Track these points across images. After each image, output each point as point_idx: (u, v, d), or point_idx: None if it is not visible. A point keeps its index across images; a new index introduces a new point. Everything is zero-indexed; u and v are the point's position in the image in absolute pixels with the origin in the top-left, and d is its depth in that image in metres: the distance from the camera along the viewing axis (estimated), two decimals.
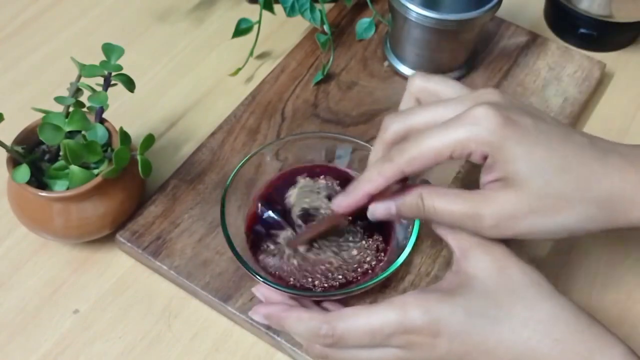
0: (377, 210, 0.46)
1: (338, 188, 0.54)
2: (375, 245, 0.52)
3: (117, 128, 0.52)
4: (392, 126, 0.45)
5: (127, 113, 0.64)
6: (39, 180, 0.51)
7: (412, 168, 0.43)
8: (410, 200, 0.44)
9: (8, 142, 0.50)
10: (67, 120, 0.50)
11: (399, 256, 0.48)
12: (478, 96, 0.44)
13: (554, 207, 0.41)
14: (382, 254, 0.51)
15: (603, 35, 0.69)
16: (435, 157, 0.42)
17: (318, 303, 0.50)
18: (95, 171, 0.51)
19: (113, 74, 0.52)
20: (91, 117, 0.52)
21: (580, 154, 0.42)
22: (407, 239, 0.49)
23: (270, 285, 0.47)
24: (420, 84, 0.48)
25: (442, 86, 0.47)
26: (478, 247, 0.43)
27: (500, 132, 0.41)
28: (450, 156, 0.42)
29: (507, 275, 0.42)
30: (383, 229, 0.53)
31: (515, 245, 0.57)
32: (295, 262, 0.51)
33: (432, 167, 0.43)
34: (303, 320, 0.44)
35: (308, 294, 0.49)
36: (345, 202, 0.46)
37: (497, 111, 0.41)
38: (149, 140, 0.52)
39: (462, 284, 0.42)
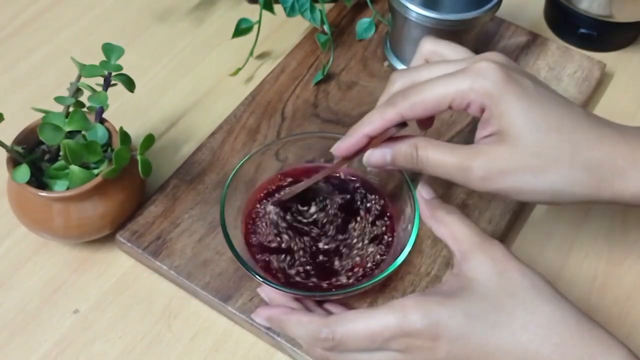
0: (373, 156, 0.46)
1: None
2: (376, 245, 0.52)
3: (117, 128, 0.52)
4: (399, 80, 0.47)
5: (127, 113, 0.64)
6: (39, 180, 0.51)
7: (412, 113, 0.44)
8: (405, 149, 0.45)
9: (8, 142, 0.50)
10: (67, 120, 0.50)
11: (398, 256, 0.48)
12: (483, 57, 0.45)
13: (543, 165, 0.42)
14: (382, 254, 0.51)
15: (603, 35, 0.69)
16: (436, 103, 0.43)
17: (320, 304, 0.50)
18: (95, 171, 0.51)
19: (113, 74, 0.52)
20: (91, 117, 0.53)
21: (577, 120, 0.43)
22: (407, 238, 0.49)
23: (271, 286, 0.47)
24: (430, 46, 0.49)
25: (450, 49, 0.49)
26: (478, 250, 0.43)
27: (501, 85, 0.42)
28: (450, 105, 0.43)
29: (507, 278, 0.41)
30: (383, 228, 0.53)
31: (514, 246, 0.57)
32: (295, 257, 0.51)
33: (432, 114, 0.44)
34: (303, 324, 0.44)
35: (309, 294, 0.49)
36: (344, 144, 0.46)
37: (500, 67, 0.43)
38: (149, 140, 0.52)
39: (463, 286, 0.42)
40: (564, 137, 0.42)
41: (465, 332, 0.40)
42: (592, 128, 0.43)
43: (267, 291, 0.49)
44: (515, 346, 0.40)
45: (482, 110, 0.43)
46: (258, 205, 0.54)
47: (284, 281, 0.50)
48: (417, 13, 0.59)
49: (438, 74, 0.45)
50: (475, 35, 0.63)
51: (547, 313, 0.40)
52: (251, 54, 0.67)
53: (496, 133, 0.43)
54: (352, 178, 0.55)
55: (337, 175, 0.56)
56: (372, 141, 0.46)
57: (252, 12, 0.67)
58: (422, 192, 0.48)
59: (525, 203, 0.59)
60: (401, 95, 0.44)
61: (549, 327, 0.40)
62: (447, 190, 0.58)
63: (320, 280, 0.50)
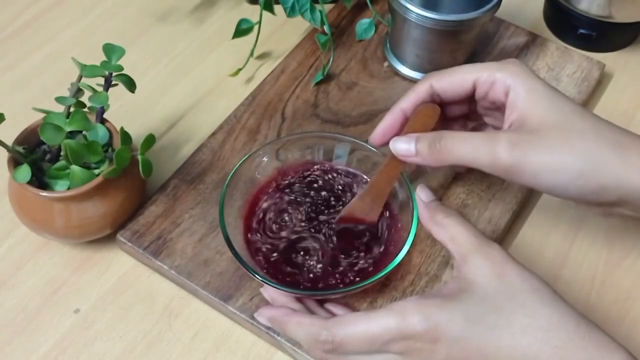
0: (398, 142, 0.48)
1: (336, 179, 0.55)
2: (375, 245, 0.52)
3: (118, 128, 0.52)
4: (428, 80, 0.50)
5: (127, 113, 0.64)
6: (39, 180, 0.52)
7: (440, 84, 0.49)
8: (430, 135, 0.47)
9: (9, 142, 0.50)
10: (68, 120, 0.50)
11: (397, 255, 0.48)
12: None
13: (570, 138, 0.43)
14: (382, 254, 0.52)
15: (602, 35, 0.69)
16: (462, 78, 0.49)
17: (322, 303, 0.50)
18: (96, 171, 0.51)
19: (114, 74, 0.52)
20: (92, 117, 0.53)
21: (594, 114, 0.46)
22: (406, 238, 0.49)
23: (270, 285, 0.47)
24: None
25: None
26: (477, 252, 0.43)
27: (527, 72, 0.47)
28: (475, 84, 0.48)
29: (506, 281, 0.42)
30: (383, 228, 0.53)
31: (513, 246, 0.57)
32: (296, 259, 0.51)
33: (458, 92, 0.49)
34: (303, 326, 0.44)
35: (309, 293, 0.49)
36: (381, 127, 0.51)
37: (524, 64, 0.47)
38: (150, 140, 0.52)
39: (463, 289, 0.42)
40: (587, 118, 0.44)
41: (465, 335, 0.40)
42: (608, 122, 0.45)
43: (269, 291, 0.49)
44: (515, 349, 0.40)
45: (506, 94, 0.46)
46: (258, 205, 0.54)
47: (284, 280, 0.50)
48: (417, 14, 0.59)
49: None
50: (475, 35, 0.63)
51: (546, 316, 0.40)
52: (251, 54, 0.67)
53: (522, 117, 0.45)
54: (353, 178, 0.55)
55: (338, 175, 0.56)
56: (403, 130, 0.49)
57: (253, 12, 0.68)
58: (421, 195, 0.48)
59: (526, 202, 0.59)
60: (430, 73, 0.50)
61: (548, 330, 0.40)
62: (446, 190, 0.58)
63: (319, 279, 0.50)
